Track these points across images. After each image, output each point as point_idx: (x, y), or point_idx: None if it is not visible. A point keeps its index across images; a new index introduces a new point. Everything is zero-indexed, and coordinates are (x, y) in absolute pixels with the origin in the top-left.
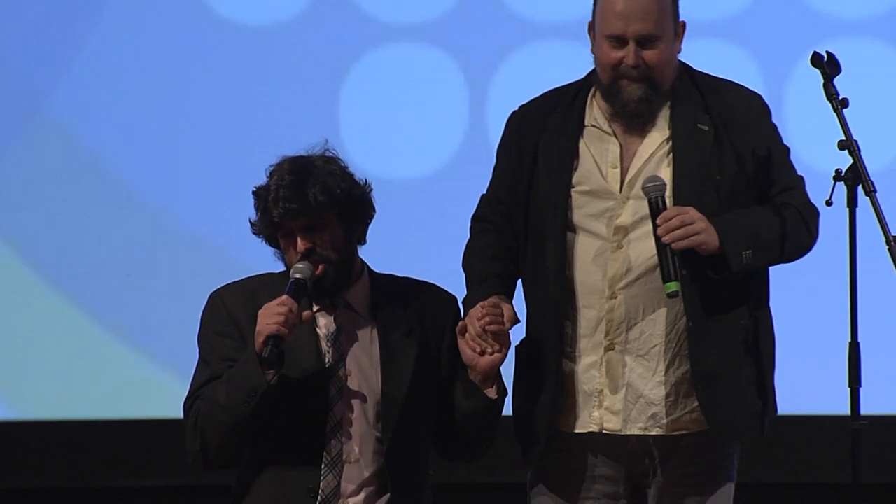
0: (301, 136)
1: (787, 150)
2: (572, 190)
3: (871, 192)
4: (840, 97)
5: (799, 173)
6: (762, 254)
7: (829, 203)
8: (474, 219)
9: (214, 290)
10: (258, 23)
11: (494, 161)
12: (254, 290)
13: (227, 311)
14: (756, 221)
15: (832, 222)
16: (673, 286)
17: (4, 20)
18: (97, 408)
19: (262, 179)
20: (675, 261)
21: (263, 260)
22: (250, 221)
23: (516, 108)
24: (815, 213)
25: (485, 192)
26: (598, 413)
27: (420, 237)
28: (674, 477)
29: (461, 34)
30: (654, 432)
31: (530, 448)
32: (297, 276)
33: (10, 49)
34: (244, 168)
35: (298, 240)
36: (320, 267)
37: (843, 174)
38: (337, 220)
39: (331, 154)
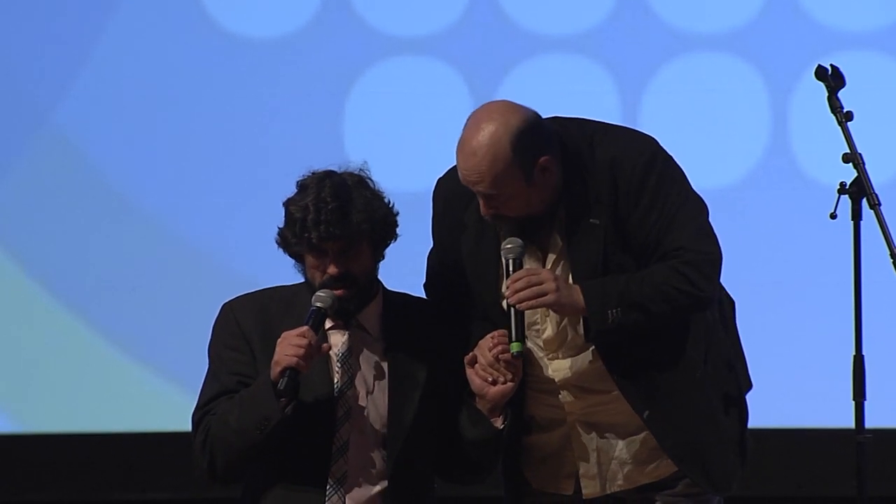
0: (305, 149)
1: (678, 201)
2: (503, 302)
3: (875, 204)
4: (844, 110)
5: (696, 219)
6: (633, 312)
7: (833, 216)
8: (428, 287)
9: (227, 301)
10: (262, 36)
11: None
12: (266, 305)
13: (239, 325)
14: (626, 280)
15: (836, 235)
16: (516, 346)
17: (9, 33)
18: (101, 421)
19: (266, 192)
20: (520, 322)
21: (268, 273)
22: (279, 233)
23: (438, 185)
24: (705, 264)
25: (430, 254)
26: (575, 480)
27: (424, 250)
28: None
29: (466, 47)
30: (638, 483)
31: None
32: (319, 304)
33: (14, 62)
34: (249, 181)
35: (332, 264)
36: (346, 291)
37: (847, 187)
38: (369, 247)
39: (364, 175)
